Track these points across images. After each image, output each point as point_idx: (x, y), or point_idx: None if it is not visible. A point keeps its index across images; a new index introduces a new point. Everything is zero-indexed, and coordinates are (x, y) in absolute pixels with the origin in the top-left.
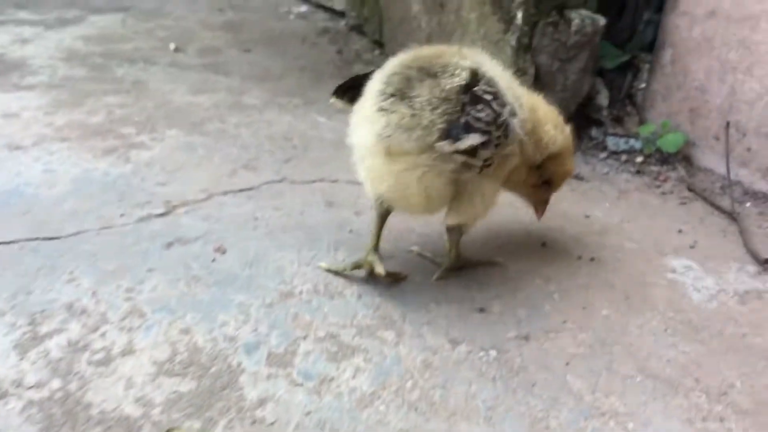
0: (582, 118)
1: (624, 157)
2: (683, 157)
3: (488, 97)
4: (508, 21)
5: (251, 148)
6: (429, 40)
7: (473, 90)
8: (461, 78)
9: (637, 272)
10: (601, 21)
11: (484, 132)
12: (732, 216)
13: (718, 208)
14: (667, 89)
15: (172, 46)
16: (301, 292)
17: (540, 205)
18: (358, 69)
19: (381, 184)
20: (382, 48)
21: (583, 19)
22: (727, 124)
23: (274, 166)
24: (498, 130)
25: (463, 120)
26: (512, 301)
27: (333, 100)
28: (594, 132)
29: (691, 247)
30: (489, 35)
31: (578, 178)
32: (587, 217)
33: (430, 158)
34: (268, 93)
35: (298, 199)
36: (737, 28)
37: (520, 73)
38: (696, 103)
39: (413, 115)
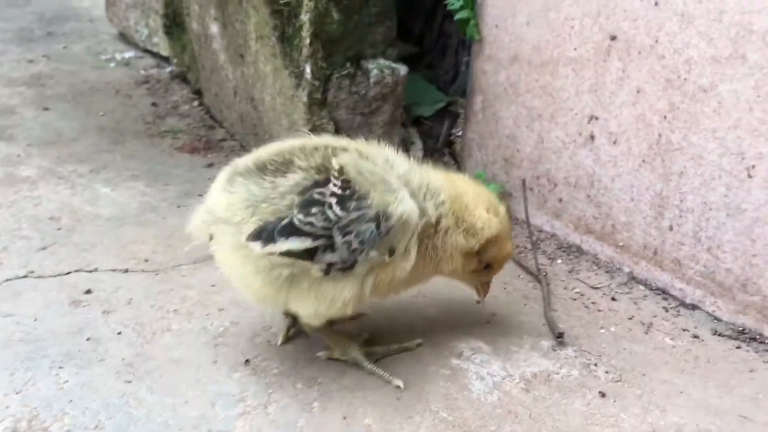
0: None
1: None
2: None
3: (331, 199)
4: (299, 75)
5: (2, 235)
6: (236, 91)
7: (310, 193)
8: (302, 176)
9: (421, 362)
10: (402, 70)
11: (317, 236)
12: (537, 278)
13: (524, 268)
14: (482, 137)
15: None
16: None
17: (482, 287)
18: (172, 123)
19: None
20: (201, 98)
21: (382, 70)
22: (523, 181)
23: (24, 256)
24: (344, 235)
25: (284, 222)
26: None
27: None
28: None
29: (488, 321)
30: (283, 90)
31: None
32: None
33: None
34: (51, 161)
35: (39, 300)
36: (539, 74)
37: (317, 130)
38: (509, 152)
39: (229, 207)
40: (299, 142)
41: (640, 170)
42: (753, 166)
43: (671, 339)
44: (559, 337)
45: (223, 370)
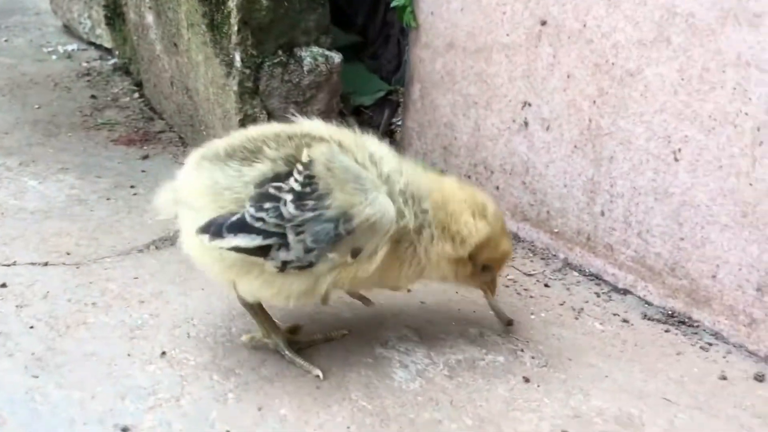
0: None
1: None
2: None
3: (287, 195)
4: (229, 63)
5: None
6: (172, 82)
7: (266, 186)
8: (269, 167)
9: (345, 351)
10: (337, 58)
11: (269, 234)
12: None
13: None
14: (420, 126)
15: None
16: None
17: (487, 287)
18: (110, 115)
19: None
20: (142, 90)
21: (316, 58)
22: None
23: None
24: (298, 234)
25: (234, 218)
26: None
27: None
28: None
29: (417, 310)
30: (215, 79)
31: None
32: None
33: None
34: None
35: None
36: (473, 60)
37: (249, 119)
38: (447, 141)
39: (191, 191)
40: (277, 129)
41: (572, 156)
42: (679, 150)
43: (601, 324)
44: (509, 324)
45: (137, 363)
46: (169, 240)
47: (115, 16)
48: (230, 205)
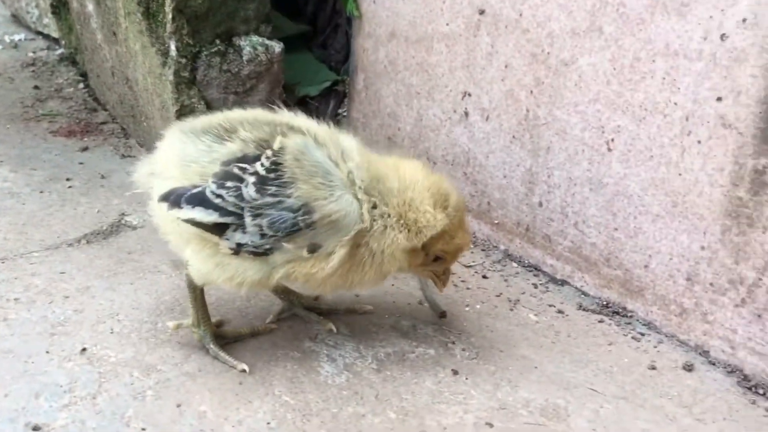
0: None
1: None
2: None
3: (250, 178)
4: (165, 53)
5: None
6: (113, 72)
7: (229, 165)
8: (238, 147)
9: (273, 345)
10: (277, 48)
11: (226, 212)
12: None
13: None
14: (365, 116)
15: None
16: None
17: (439, 279)
18: (52, 106)
19: None
20: (87, 80)
21: (256, 47)
22: None
23: None
24: (255, 218)
25: (195, 190)
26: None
27: None
28: None
29: (356, 297)
30: (153, 69)
31: None
32: None
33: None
34: None
35: None
36: (415, 50)
37: (187, 110)
38: (391, 131)
39: (165, 163)
40: (259, 114)
41: (511, 146)
42: (612, 140)
43: (535, 315)
44: (442, 317)
45: (55, 360)
46: (101, 234)
47: (60, 5)
48: (195, 177)
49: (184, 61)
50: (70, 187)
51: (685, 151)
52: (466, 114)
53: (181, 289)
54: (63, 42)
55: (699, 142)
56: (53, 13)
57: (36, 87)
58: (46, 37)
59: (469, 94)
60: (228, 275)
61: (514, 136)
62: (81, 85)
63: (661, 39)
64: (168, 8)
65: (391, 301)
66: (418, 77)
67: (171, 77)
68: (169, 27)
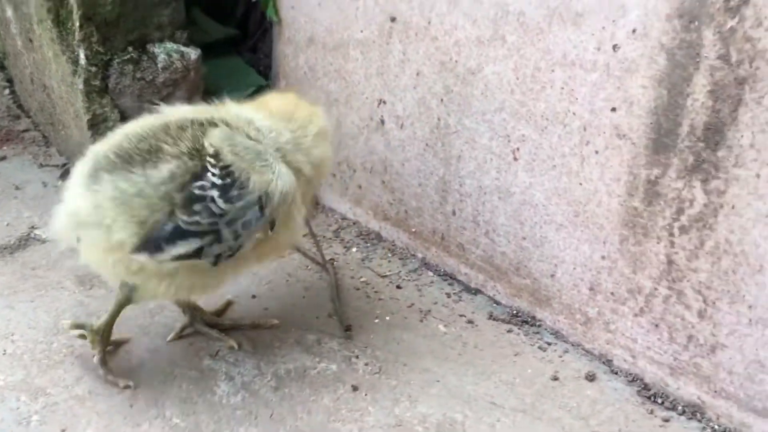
0: None
1: None
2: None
3: (213, 192)
4: (75, 61)
5: None
6: (32, 79)
7: (189, 189)
8: (175, 165)
9: (170, 363)
10: (194, 54)
11: (204, 234)
12: (324, 267)
13: (311, 258)
14: None
15: None
16: None
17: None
18: None
19: None
20: (13, 86)
21: (170, 54)
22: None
23: None
24: (230, 225)
25: (169, 227)
26: None
27: None
28: None
29: (264, 310)
30: (65, 77)
31: None
32: None
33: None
34: None
35: None
36: (333, 57)
37: (99, 119)
38: None
39: (96, 209)
40: (160, 122)
41: (424, 154)
42: (517, 149)
43: (445, 326)
44: (347, 330)
45: None
46: (8, 248)
47: None
48: (142, 211)
49: (94, 69)
50: None
51: (584, 160)
52: (382, 122)
53: (83, 306)
54: None
55: (596, 152)
56: None
57: None
58: None
59: (384, 102)
60: (210, 281)
61: (427, 144)
62: (7, 91)
63: (559, 49)
64: (75, 15)
65: (299, 315)
66: (336, 84)
67: (81, 86)
68: (77, 35)
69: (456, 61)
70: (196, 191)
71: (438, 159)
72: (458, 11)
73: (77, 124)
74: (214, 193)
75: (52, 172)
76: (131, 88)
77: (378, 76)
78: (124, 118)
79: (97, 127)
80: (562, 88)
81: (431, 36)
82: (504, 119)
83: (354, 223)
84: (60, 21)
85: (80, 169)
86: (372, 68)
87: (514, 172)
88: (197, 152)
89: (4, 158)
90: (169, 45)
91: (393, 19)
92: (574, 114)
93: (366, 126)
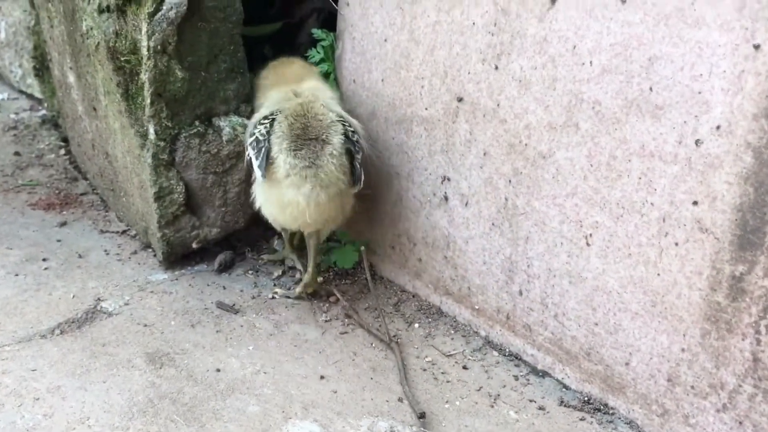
0: (257, 229)
1: (298, 276)
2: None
3: (356, 147)
4: (143, 135)
5: None
6: (93, 144)
7: (350, 143)
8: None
9: None
10: None
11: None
12: (389, 346)
13: (375, 336)
14: None
15: None
16: None
17: None
18: (33, 175)
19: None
20: (68, 146)
21: (235, 127)
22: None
23: None
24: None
25: (358, 170)
26: None
27: None
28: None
29: (330, 398)
30: (131, 149)
31: (232, 309)
32: (218, 371)
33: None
34: None
35: None
36: (395, 131)
37: (165, 192)
38: (371, 210)
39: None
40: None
41: (490, 233)
42: (590, 235)
43: (516, 412)
44: (421, 418)
45: None
46: (75, 322)
47: (43, 68)
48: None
49: (162, 143)
50: (46, 268)
51: (662, 251)
52: (446, 198)
53: (155, 387)
54: (46, 104)
55: (676, 244)
56: (36, 75)
57: (17, 153)
58: (30, 96)
59: (449, 179)
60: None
61: (493, 223)
62: (62, 151)
63: (636, 139)
64: (147, 92)
65: (369, 399)
66: (398, 158)
67: (149, 160)
68: (148, 110)
69: (526, 144)
70: (354, 148)
71: (505, 239)
72: (529, 96)
73: (142, 194)
74: (355, 147)
75: (112, 239)
76: (197, 161)
77: (442, 153)
78: (188, 189)
79: (163, 199)
80: (640, 178)
81: (500, 118)
82: (576, 204)
83: (413, 296)
84: (129, 95)
85: None
86: (436, 145)
87: (586, 258)
88: (342, 124)
89: (65, 224)
90: (234, 119)
91: (460, 99)
92: (652, 204)
93: (428, 201)
